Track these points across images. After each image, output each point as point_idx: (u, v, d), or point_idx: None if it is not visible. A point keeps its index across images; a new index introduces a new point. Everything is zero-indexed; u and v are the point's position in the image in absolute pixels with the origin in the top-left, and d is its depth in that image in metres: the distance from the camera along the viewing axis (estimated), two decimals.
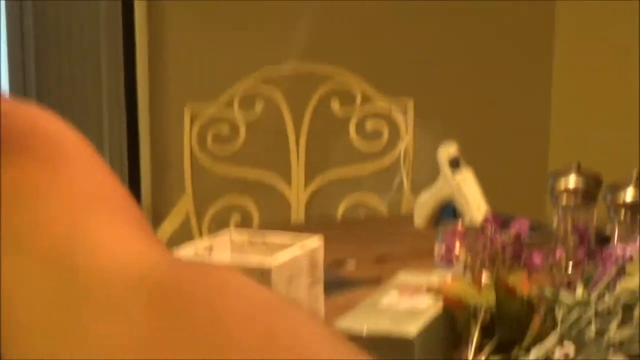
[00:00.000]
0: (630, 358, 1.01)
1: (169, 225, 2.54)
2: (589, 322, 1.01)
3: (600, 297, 1.05)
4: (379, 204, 2.51)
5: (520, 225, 1.28)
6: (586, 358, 0.98)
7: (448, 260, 1.34)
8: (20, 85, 2.83)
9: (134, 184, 2.93)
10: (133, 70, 2.90)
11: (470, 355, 1.03)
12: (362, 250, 1.75)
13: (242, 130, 2.54)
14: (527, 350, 1.02)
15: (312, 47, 2.87)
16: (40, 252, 0.53)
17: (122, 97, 2.90)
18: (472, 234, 1.35)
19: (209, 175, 2.68)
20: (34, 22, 2.74)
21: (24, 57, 2.80)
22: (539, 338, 1.04)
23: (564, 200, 1.57)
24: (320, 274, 1.27)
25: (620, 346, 0.97)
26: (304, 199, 2.54)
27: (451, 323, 1.08)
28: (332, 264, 1.62)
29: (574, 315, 1.02)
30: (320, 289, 1.27)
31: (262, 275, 1.14)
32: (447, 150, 1.88)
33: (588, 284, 1.08)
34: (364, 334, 0.99)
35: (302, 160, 2.56)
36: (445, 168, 1.87)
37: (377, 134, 2.50)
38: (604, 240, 1.52)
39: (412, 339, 0.98)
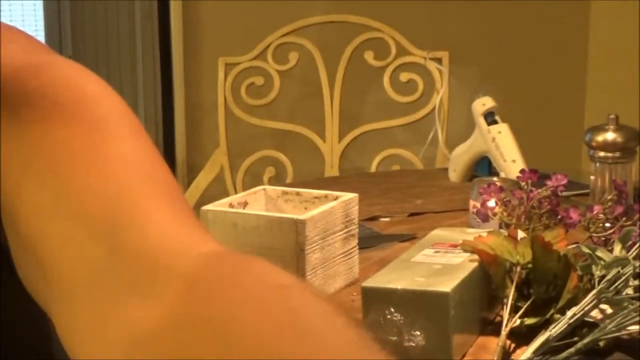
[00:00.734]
0: None
1: (204, 178, 2.55)
2: (627, 281, 1.00)
3: (639, 255, 1.04)
4: (414, 158, 2.50)
5: (557, 180, 1.26)
6: (623, 319, 0.97)
7: (483, 215, 1.33)
8: None
9: (168, 137, 2.94)
10: (167, 23, 2.90)
11: (506, 316, 1.02)
12: (397, 204, 1.74)
13: (276, 82, 2.53)
14: (563, 312, 1.01)
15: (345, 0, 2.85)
16: (89, 219, 0.53)
17: (157, 49, 2.90)
18: (508, 189, 1.34)
19: (243, 129, 2.68)
20: None
21: None
22: (575, 299, 1.03)
23: (601, 155, 1.55)
24: (355, 228, 1.27)
25: None
26: (338, 152, 2.54)
27: (487, 281, 1.07)
28: (367, 219, 1.61)
29: (612, 273, 1.01)
30: (354, 243, 1.27)
31: (297, 227, 1.14)
32: (482, 103, 1.86)
33: (626, 241, 1.07)
34: (399, 290, 0.99)
35: (337, 113, 2.55)
36: (481, 121, 1.85)
37: (412, 87, 2.48)
38: None
39: (447, 294, 0.98)
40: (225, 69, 2.52)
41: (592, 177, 1.58)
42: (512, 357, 1.00)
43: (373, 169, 2.50)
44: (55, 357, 0.73)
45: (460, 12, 3.27)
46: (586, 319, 1.01)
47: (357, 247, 1.28)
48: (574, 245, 1.11)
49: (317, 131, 2.56)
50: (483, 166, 1.89)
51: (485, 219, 1.33)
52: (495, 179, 1.50)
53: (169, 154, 2.90)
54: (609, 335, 0.98)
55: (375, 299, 1.00)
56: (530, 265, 1.06)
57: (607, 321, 0.98)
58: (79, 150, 0.55)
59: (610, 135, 1.55)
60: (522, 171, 1.32)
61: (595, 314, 1.02)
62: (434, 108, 2.41)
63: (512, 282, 1.05)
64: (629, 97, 3.39)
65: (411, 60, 2.50)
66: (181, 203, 0.56)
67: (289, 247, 1.14)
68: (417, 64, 2.49)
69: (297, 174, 2.53)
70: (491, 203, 1.32)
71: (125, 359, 0.47)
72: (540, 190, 1.26)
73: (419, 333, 0.98)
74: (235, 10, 2.99)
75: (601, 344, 1.00)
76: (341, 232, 1.23)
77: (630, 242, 1.07)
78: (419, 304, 0.99)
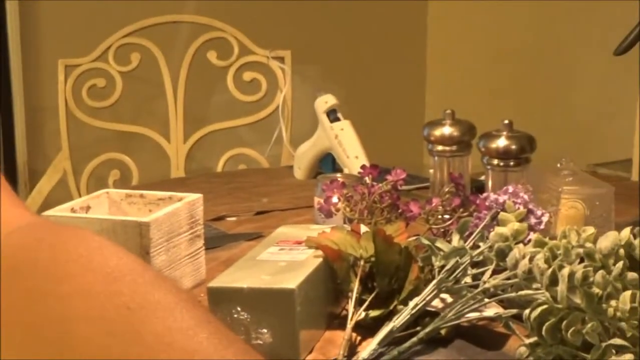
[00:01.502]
0: (504, 305, 1.04)
1: (46, 183, 2.49)
2: (465, 271, 1.04)
3: (476, 245, 1.08)
4: (259, 157, 2.51)
5: (397, 175, 1.30)
6: (462, 307, 1.00)
7: (327, 211, 1.35)
8: None
9: (8, 141, 2.86)
10: (3, 23, 2.81)
11: (351, 309, 1.04)
12: (243, 204, 1.75)
13: (119, 83, 2.49)
14: (406, 303, 1.04)
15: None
16: None
17: None
18: (350, 184, 1.36)
19: (86, 132, 2.63)
20: None
21: None
22: (417, 289, 1.06)
23: (439, 149, 1.60)
24: (201, 229, 1.27)
25: (494, 294, 1.00)
26: (183, 153, 2.52)
27: (332, 276, 1.09)
28: (214, 219, 1.61)
29: (451, 263, 1.04)
30: (200, 243, 1.27)
31: (141, 230, 1.13)
32: (325, 101, 1.88)
33: (463, 231, 1.10)
34: (245, 289, 1.00)
35: (181, 113, 2.53)
36: (323, 119, 1.87)
37: (255, 86, 2.49)
38: (479, 188, 1.55)
39: (293, 291, 0.99)
40: (66, 71, 2.46)
41: (432, 171, 1.62)
42: (358, 350, 1.02)
43: (219, 169, 2.50)
44: None
45: (301, 11, 3.30)
46: (428, 308, 1.04)
47: (204, 247, 1.28)
48: (415, 238, 1.14)
49: (162, 132, 2.53)
50: (327, 163, 1.91)
51: (329, 214, 1.35)
52: (338, 175, 1.52)
53: (9, 158, 2.82)
54: (450, 324, 1.01)
55: (221, 299, 1.00)
56: (373, 259, 1.08)
57: (447, 310, 1.01)
58: None
59: (447, 130, 1.60)
60: (363, 167, 1.35)
61: (437, 303, 1.05)
62: (277, 107, 2.43)
63: (356, 276, 1.07)
64: (466, 93, 3.50)
65: (254, 59, 2.50)
66: None
67: (133, 250, 1.13)
68: (260, 63, 2.50)
69: (143, 176, 2.51)
70: (334, 199, 1.34)
71: None
72: (380, 185, 1.29)
73: (266, 331, 0.99)
74: (75, 11, 2.94)
75: (442, 332, 1.03)
76: (186, 233, 1.23)
77: (467, 233, 1.11)
78: (265, 302, 0.99)
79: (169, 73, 2.53)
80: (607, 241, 0.91)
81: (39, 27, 2.90)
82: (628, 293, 0.87)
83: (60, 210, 1.21)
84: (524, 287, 0.94)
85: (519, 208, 1.14)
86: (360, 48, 3.51)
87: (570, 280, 0.87)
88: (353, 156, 1.80)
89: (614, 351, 0.87)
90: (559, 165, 1.45)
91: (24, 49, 2.86)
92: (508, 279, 0.98)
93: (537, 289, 0.92)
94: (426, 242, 1.07)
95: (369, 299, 1.06)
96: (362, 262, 1.08)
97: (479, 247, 1.06)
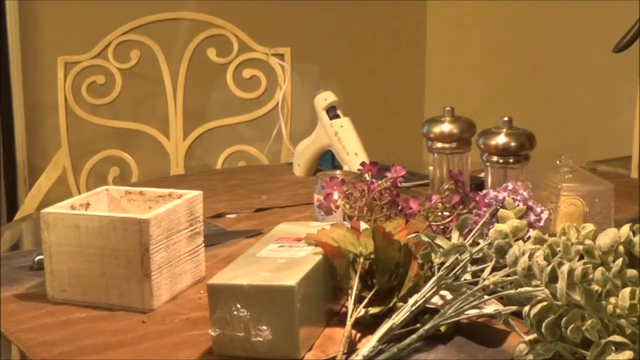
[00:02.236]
0: (503, 302, 1.04)
1: (46, 181, 2.49)
2: (465, 267, 1.04)
3: (475, 242, 1.08)
4: (259, 154, 2.51)
5: (396, 172, 1.30)
6: (462, 304, 1.00)
7: (326, 208, 1.35)
8: None
9: (7, 139, 2.86)
10: (3, 22, 2.81)
11: (350, 306, 1.04)
12: (243, 201, 1.75)
13: (118, 80, 2.49)
14: (405, 300, 1.04)
15: None
16: None
17: None
18: (350, 181, 1.36)
19: (86, 129, 2.63)
20: None
21: None
22: (417, 286, 1.06)
23: (438, 146, 1.60)
24: (200, 226, 1.27)
25: (494, 291, 1.00)
26: (183, 150, 2.52)
27: (331, 273, 1.09)
28: (213, 216, 1.61)
29: (450, 260, 1.04)
30: (200, 241, 1.27)
31: (140, 227, 1.13)
32: (324, 98, 1.88)
33: (463, 228, 1.10)
34: (245, 286, 1.00)
35: (180, 111, 2.53)
36: (323, 116, 1.87)
37: (255, 83, 2.49)
38: (478, 185, 1.55)
39: (293, 288, 0.99)
40: (65, 68, 2.46)
41: (431, 168, 1.63)
42: (358, 347, 1.02)
43: (219, 166, 2.50)
44: None
45: (301, 9, 3.30)
46: (427, 305, 1.04)
47: (203, 244, 1.28)
48: (414, 235, 1.14)
49: (162, 129, 2.53)
50: (327, 160, 1.91)
51: (328, 211, 1.35)
52: (337, 172, 1.52)
53: (8, 155, 2.82)
54: (449, 320, 1.01)
55: (221, 296, 1.00)
56: (372, 256, 1.08)
57: (447, 307, 1.01)
58: None
59: (446, 127, 1.60)
60: (362, 164, 1.35)
61: (436, 300, 1.05)
62: (277, 104, 2.43)
63: (355, 273, 1.07)
64: (465, 90, 3.49)
65: (253, 56, 2.50)
66: None
67: (133, 247, 1.14)
68: (260, 60, 2.50)
69: (142, 174, 2.51)
70: (334, 196, 1.34)
71: None
72: (380, 182, 1.29)
73: (265, 328, 0.99)
74: (74, 8, 2.93)
75: (442, 329, 1.03)
76: (186, 231, 1.23)
77: (466, 230, 1.11)
78: (265, 299, 0.99)
79: (169, 70, 2.53)
80: (606, 238, 0.91)
81: (38, 24, 2.90)
82: (627, 290, 0.87)
83: (60, 208, 1.21)
84: (523, 284, 0.94)
85: (518, 205, 1.14)
86: (360, 45, 3.51)
87: (569, 277, 0.87)
88: (352, 153, 1.80)
89: (613, 348, 0.87)
90: (558, 162, 1.45)
91: (24, 46, 2.86)
92: (507, 276, 0.98)
93: (536, 286, 0.92)
94: (426, 239, 1.07)
95: (369, 296, 1.06)
96: (361, 259, 1.08)
97: (478, 244, 1.06)
